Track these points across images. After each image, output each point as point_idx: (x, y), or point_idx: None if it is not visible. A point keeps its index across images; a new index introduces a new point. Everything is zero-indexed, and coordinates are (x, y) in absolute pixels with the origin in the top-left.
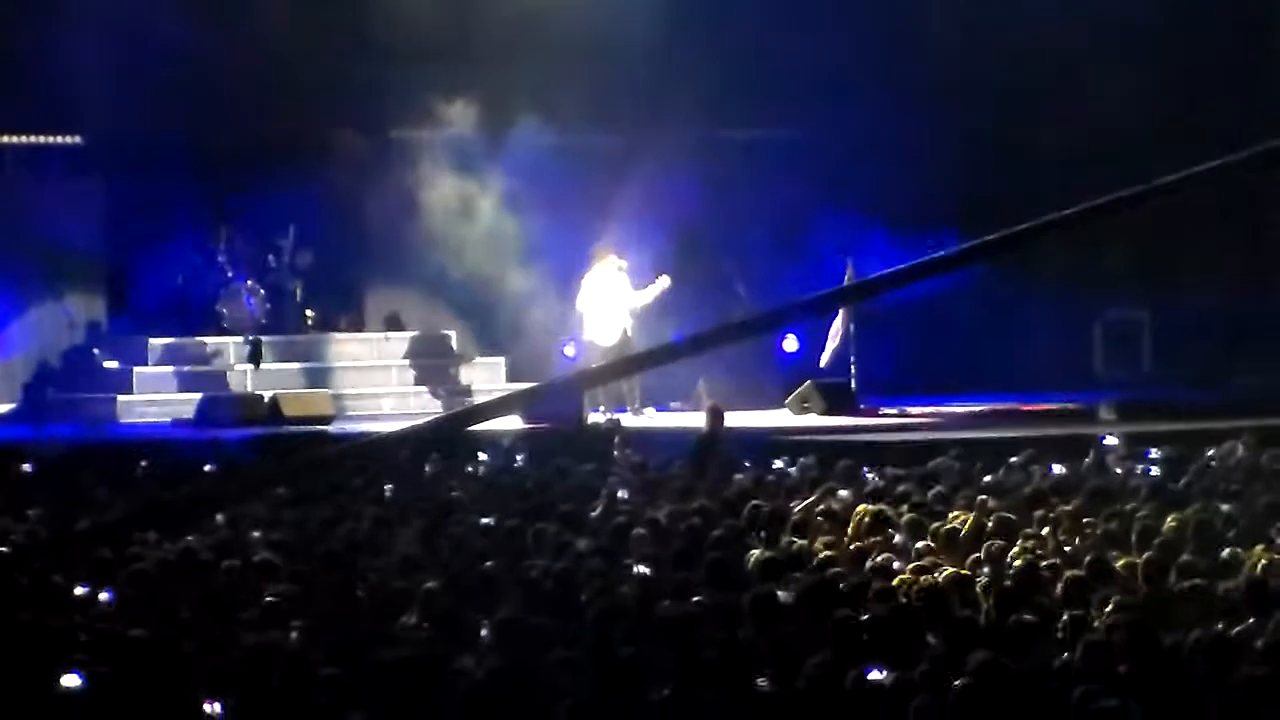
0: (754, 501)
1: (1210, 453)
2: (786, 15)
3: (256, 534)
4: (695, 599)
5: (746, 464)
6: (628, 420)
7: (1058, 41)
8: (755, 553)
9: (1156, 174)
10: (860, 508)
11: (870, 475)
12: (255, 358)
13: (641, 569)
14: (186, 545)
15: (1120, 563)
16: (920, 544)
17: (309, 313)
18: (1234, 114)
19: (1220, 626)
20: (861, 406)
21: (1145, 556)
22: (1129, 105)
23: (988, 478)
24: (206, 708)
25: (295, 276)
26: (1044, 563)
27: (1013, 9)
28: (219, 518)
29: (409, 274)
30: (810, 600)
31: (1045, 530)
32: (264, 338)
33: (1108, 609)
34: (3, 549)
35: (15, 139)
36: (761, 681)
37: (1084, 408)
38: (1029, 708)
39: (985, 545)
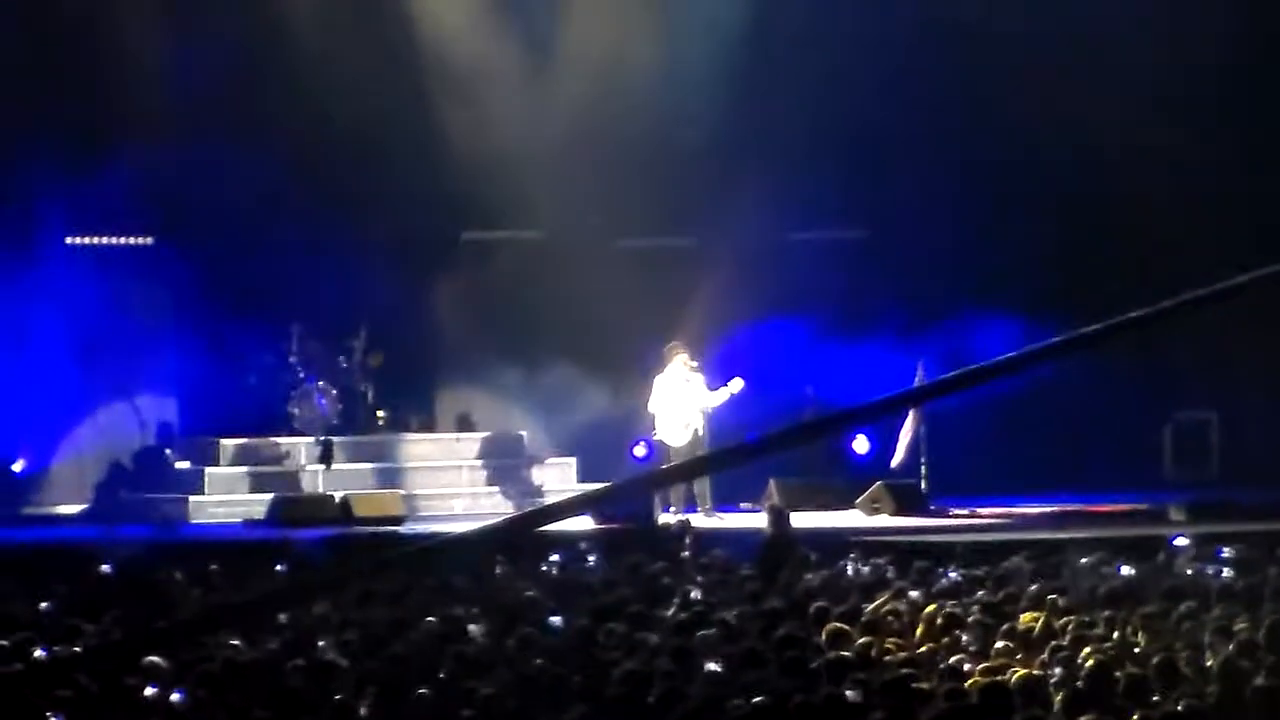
0: (820, 602)
1: None
2: (854, 116)
3: (325, 636)
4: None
5: (814, 560)
6: (698, 520)
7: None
8: (825, 653)
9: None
10: (930, 607)
11: (942, 575)
12: (327, 458)
13: (711, 666)
14: (256, 646)
15: (1191, 663)
16: (991, 644)
17: (380, 413)
18: None
19: None
20: (932, 507)
21: (1218, 657)
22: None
23: (1058, 578)
24: None
25: (366, 377)
26: (1115, 663)
27: (1083, 91)
28: (284, 619)
29: (480, 375)
30: (881, 700)
31: (1116, 631)
32: (335, 438)
33: (1179, 709)
34: (76, 649)
35: (87, 240)
36: None
37: (1154, 509)
38: None
39: (1055, 645)
